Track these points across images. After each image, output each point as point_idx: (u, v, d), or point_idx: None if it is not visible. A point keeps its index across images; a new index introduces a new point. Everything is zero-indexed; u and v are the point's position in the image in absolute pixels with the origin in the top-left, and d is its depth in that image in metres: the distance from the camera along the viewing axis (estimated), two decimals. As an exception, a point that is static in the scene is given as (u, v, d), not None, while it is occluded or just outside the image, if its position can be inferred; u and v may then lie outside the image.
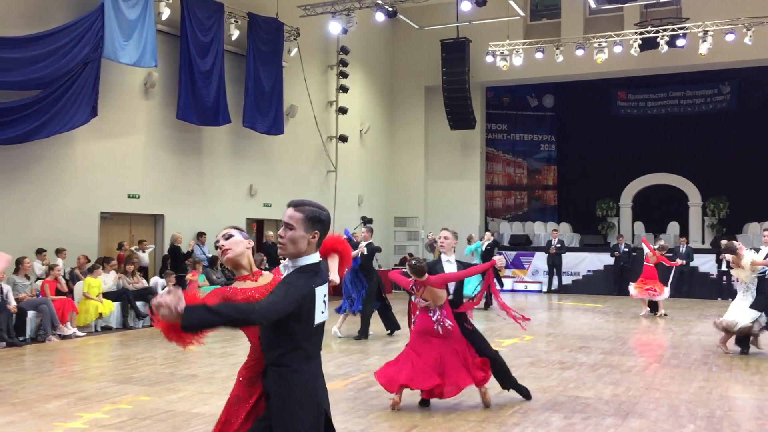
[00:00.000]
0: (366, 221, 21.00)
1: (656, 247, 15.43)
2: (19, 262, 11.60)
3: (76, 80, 12.88)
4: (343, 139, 20.76)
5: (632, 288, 15.14)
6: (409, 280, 6.83)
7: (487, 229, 22.80)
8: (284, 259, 3.19)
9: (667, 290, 14.93)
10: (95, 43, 13.06)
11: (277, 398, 3.01)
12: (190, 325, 2.74)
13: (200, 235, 15.63)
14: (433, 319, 6.80)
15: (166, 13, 14.63)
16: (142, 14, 13.97)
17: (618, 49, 19.64)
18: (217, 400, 7.18)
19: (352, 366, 9.21)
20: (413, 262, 6.82)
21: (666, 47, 19.03)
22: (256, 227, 17.66)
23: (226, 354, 10.09)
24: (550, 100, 26.70)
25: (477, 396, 7.31)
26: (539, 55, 20.74)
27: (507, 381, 7.26)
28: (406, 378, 6.74)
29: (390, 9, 17.87)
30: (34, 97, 12.25)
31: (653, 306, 15.06)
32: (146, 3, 14.06)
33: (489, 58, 21.07)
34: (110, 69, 13.74)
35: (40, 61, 12.28)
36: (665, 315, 14.89)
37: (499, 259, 6.98)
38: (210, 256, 15.21)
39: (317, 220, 3.11)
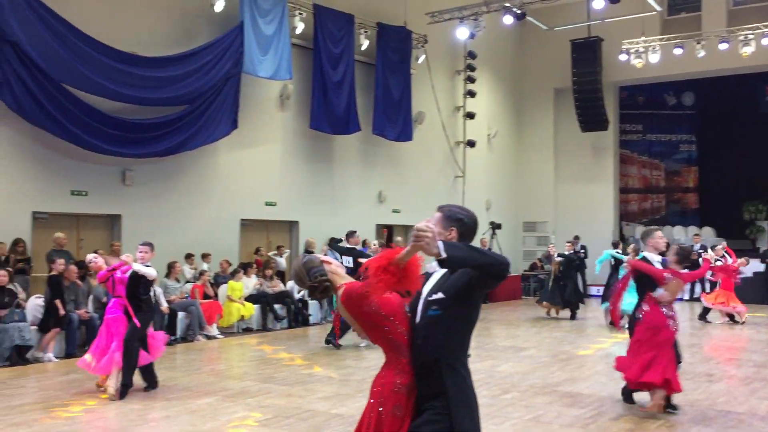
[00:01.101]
0: (495, 226, 20.79)
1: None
2: (170, 266, 12.42)
3: (219, 95, 13.65)
4: (471, 144, 20.67)
5: (706, 301, 14.77)
6: (666, 271, 6.81)
7: (621, 236, 21.92)
8: None
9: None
10: (236, 59, 13.79)
11: (457, 392, 3.10)
12: (452, 256, 2.80)
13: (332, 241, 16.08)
14: (667, 314, 6.82)
15: (300, 27, 15.18)
16: (278, 29, 14.60)
17: (766, 41, 18.34)
18: (353, 402, 7.35)
19: (485, 372, 9.13)
20: (682, 247, 7.01)
21: (822, 36, 17.59)
22: (387, 233, 17.93)
23: (360, 357, 10.30)
24: (690, 98, 25.31)
25: (619, 406, 7.06)
26: (678, 51, 19.76)
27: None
28: (633, 375, 6.80)
29: (518, 11, 17.59)
30: (181, 112, 13.08)
31: (731, 315, 14.60)
32: (282, 18, 14.69)
33: (623, 57, 20.33)
34: (249, 83, 14.43)
35: (186, 78, 13.09)
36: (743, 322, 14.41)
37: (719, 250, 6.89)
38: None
39: (454, 218, 3.24)
